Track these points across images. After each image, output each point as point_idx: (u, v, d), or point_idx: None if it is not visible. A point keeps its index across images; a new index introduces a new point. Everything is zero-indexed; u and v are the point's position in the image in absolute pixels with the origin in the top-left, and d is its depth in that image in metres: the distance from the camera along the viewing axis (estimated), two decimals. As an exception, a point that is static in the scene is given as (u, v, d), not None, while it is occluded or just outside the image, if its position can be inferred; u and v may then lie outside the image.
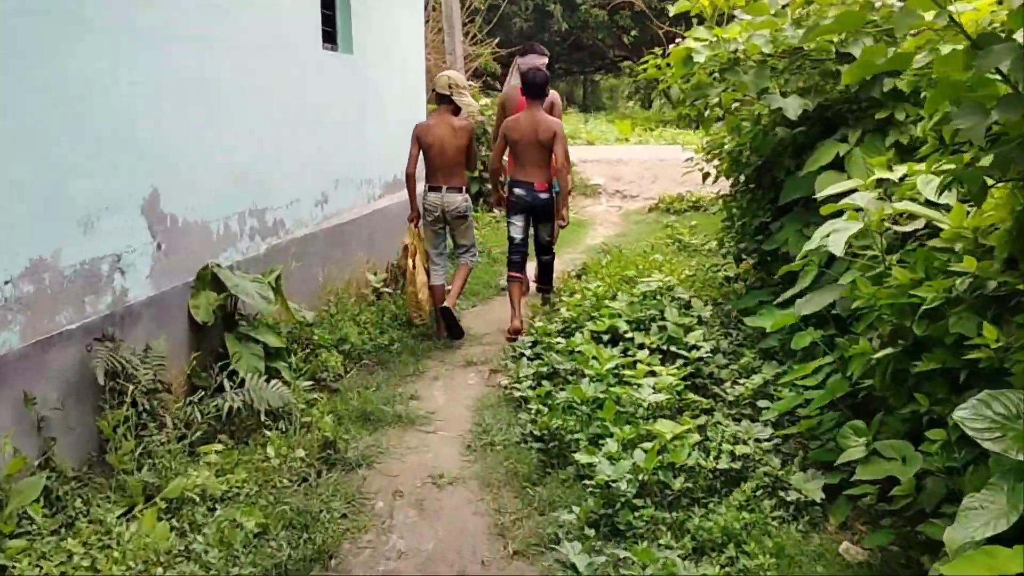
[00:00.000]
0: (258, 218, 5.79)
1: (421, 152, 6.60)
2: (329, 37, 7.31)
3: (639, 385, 4.71)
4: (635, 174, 13.15)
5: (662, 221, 11.16)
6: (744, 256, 6.59)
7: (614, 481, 3.68)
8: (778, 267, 6.32)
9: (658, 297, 5.99)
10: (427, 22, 10.63)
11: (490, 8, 11.94)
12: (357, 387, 5.55)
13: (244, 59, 5.61)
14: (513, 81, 7.91)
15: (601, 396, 4.55)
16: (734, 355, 5.70)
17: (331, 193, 7.06)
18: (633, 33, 34.03)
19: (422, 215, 6.75)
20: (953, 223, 3.70)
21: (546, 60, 7.64)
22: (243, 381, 4.70)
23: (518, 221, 6.98)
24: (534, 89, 6.82)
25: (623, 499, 3.67)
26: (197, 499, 3.81)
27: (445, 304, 6.54)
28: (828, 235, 4.05)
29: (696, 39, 5.57)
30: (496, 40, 12.22)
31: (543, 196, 6.81)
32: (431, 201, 6.65)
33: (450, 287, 6.80)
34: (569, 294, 7.15)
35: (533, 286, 7.61)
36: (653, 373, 4.92)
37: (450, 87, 6.57)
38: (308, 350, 5.67)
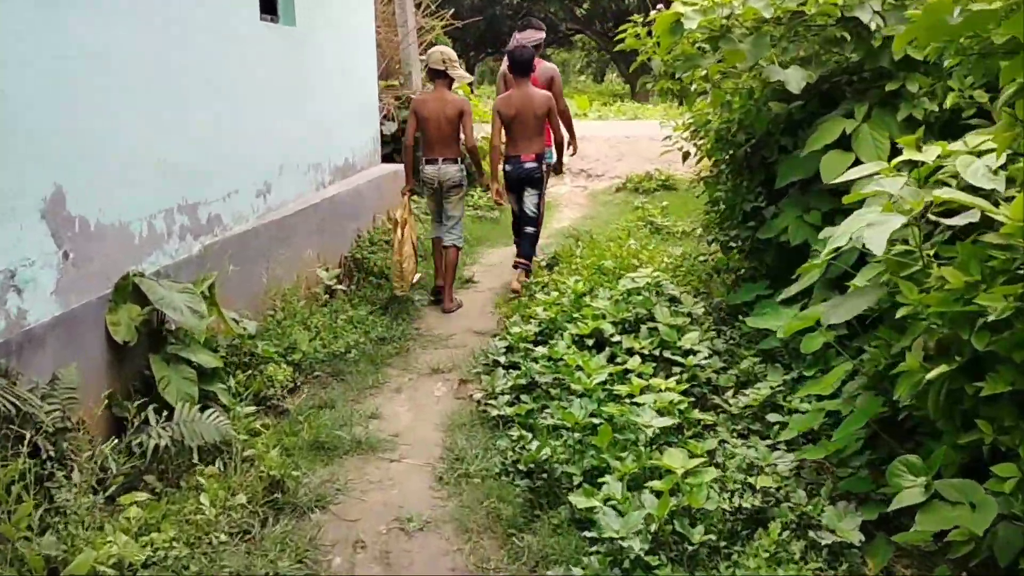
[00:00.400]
0: (189, 214, 5.03)
1: (418, 126, 6.82)
2: (268, 7, 6.52)
3: (636, 403, 4.06)
4: (599, 152, 12.46)
5: (631, 202, 10.50)
6: (733, 244, 5.97)
7: (623, 538, 3.03)
8: (772, 257, 5.74)
9: (645, 294, 5.34)
10: (376, -8, 9.85)
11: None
12: (309, 407, 4.85)
13: (167, 31, 4.82)
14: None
15: (594, 421, 3.88)
16: (730, 357, 5.09)
17: (274, 182, 6.30)
18: (585, 6, 33.31)
19: (423, 185, 6.97)
20: (1014, 215, 3.09)
21: (543, 35, 7.77)
22: (173, 412, 3.98)
23: (512, 199, 7.23)
24: (520, 66, 6.92)
25: (633, 557, 3.03)
26: (112, 572, 3.09)
27: (440, 286, 6.88)
28: (861, 229, 3.44)
29: (685, 3, 4.90)
30: (450, 11, 11.43)
31: (528, 166, 6.96)
32: (428, 173, 6.84)
33: (444, 246, 6.97)
34: (541, 287, 6.49)
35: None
36: (649, 387, 4.28)
37: (444, 62, 6.74)
38: (251, 368, 4.93)
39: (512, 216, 7.33)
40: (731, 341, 5.25)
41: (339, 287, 6.67)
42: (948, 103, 4.20)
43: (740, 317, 5.56)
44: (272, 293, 5.87)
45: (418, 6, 11.20)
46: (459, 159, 6.84)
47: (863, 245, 3.58)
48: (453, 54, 6.93)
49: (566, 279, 6.23)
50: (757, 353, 5.00)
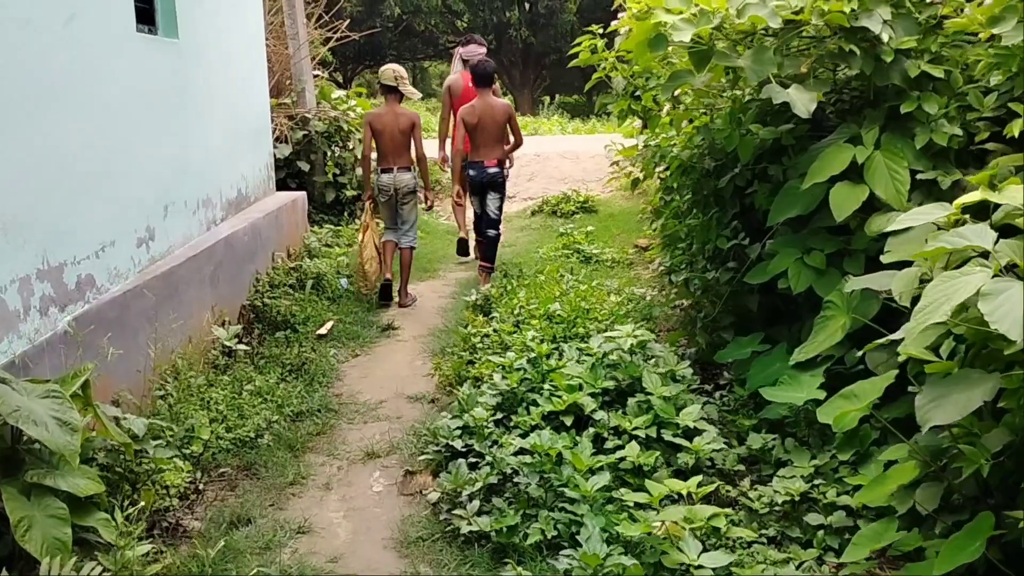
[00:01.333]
0: (52, 280, 3.86)
1: (373, 138, 7.19)
2: (145, 16, 5.37)
3: (668, 522, 3.12)
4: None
5: (551, 227, 9.62)
6: (708, 287, 5.15)
7: None
8: (758, 303, 4.94)
9: (627, 356, 4.42)
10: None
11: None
12: (217, 525, 3.75)
13: (13, 44, 3.67)
14: (456, 67, 8.60)
15: (625, 563, 2.91)
16: (724, 426, 4.26)
17: (159, 225, 5.14)
18: (466, 18, 32.46)
19: (379, 193, 7.25)
20: None
21: (485, 49, 8.30)
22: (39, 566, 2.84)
23: (473, 199, 7.52)
24: (484, 78, 7.33)
25: None
26: None
27: (389, 280, 7.14)
28: (963, 298, 2.63)
29: (669, 11, 4.02)
30: (345, 22, 10.32)
31: (492, 170, 7.31)
32: (384, 182, 7.20)
33: (401, 248, 7.32)
34: (481, 338, 5.52)
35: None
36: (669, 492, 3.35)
37: (396, 79, 7.16)
38: (139, 477, 3.77)
39: (474, 218, 7.60)
40: (725, 407, 4.42)
41: (241, 347, 5.53)
42: (1016, 129, 3.45)
43: (727, 374, 4.76)
44: (161, 368, 4.72)
45: (309, 17, 10.06)
46: (411, 167, 7.23)
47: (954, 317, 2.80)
48: (404, 72, 7.34)
49: (516, 331, 5.29)
50: (759, 423, 4.18)
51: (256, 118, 7.69)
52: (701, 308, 5.27)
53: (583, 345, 4.59)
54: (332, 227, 9.01)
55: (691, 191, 5.32)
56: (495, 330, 5.58)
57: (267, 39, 9.32)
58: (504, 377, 4.47)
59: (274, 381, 5.23)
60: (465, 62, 8.19)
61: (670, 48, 4.37)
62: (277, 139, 8.94)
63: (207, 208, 6.07)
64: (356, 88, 10.16)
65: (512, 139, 7.46)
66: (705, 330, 4.99)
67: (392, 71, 7.19)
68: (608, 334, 4.50)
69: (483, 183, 7.32)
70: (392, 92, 7.18)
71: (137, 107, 4.93)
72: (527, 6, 32.71)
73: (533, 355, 4.65)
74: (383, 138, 7.11)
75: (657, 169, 5.63)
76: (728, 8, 3.98)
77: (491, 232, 7.50)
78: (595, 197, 10.14)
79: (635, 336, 4.37)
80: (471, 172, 7.33)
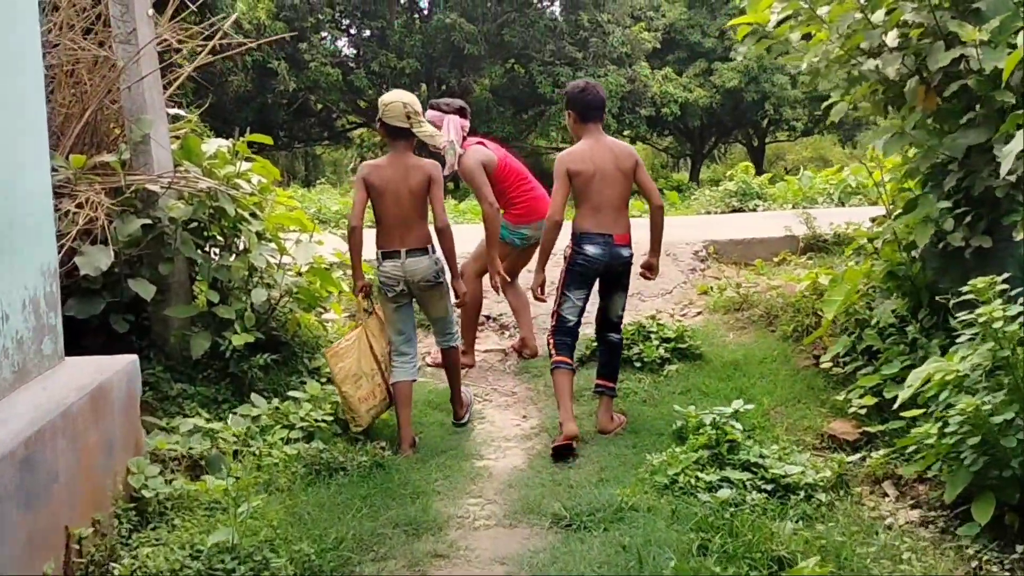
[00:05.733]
0: None
1: (369, 201, 4.56)
2: None
3: None
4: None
5: (631, 392, 5.00)
6: None
7: None
8: None
9: None
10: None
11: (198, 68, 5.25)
12: None
13: None
14: (451, 140, 5.30)
15: None
16: None
17: None
18: (369, 95, 28.28)
19: (384, 288, 4.58)
20: None
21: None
22: None
23: (578, 297, 4.64)
24: (596, 108, 4.65)
25: None
26: None
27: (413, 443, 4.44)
28: None
29: None
30: (229, 19, 5.49)
31: (625, 253, 4.59)
32: (387, 272, 4.55)
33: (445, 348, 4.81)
34: None
35: None
36: None
37: (408, 116, 4.47)
38: None
39: (562, 326, 4.60)
40: None
41: None
42: None
43: None
44: None
45: (157, 8, 5.18)
46: (429, 248, 4.54)
47: None
48: (418, 104, 4.54)
49: None
50: None
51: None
52: None
53: None
54: (204, 414, 4.17)
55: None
56: None
57: (67, 40, 4.57)
58: None
59: None
60: (466, 136, 5.53)
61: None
62: (86, 235, 4.11)
63: None
64: (251, 137, 5.21)
65: (650, 196, 4.70)
66: None
67: (404, 105, 4.47)
68: None
69: (609, 269, 4.58)
70: (402, 137, 4.51)
71: None
72: (436, 84, 29.04)
73: None
74: (384, 203, 4.48)
75: None
76: None
77: (614, 337, 4.82)
78: (689, 330, 5.53)
79: None
80: (591, 249, 4.55)
